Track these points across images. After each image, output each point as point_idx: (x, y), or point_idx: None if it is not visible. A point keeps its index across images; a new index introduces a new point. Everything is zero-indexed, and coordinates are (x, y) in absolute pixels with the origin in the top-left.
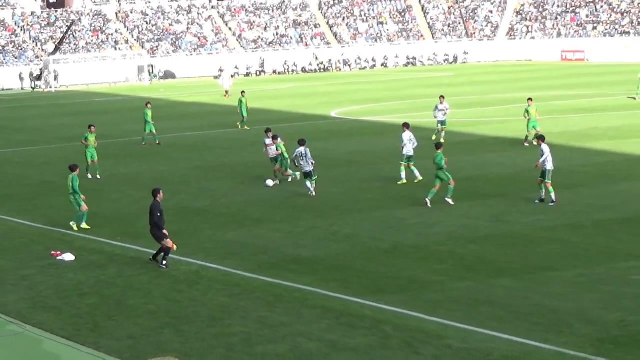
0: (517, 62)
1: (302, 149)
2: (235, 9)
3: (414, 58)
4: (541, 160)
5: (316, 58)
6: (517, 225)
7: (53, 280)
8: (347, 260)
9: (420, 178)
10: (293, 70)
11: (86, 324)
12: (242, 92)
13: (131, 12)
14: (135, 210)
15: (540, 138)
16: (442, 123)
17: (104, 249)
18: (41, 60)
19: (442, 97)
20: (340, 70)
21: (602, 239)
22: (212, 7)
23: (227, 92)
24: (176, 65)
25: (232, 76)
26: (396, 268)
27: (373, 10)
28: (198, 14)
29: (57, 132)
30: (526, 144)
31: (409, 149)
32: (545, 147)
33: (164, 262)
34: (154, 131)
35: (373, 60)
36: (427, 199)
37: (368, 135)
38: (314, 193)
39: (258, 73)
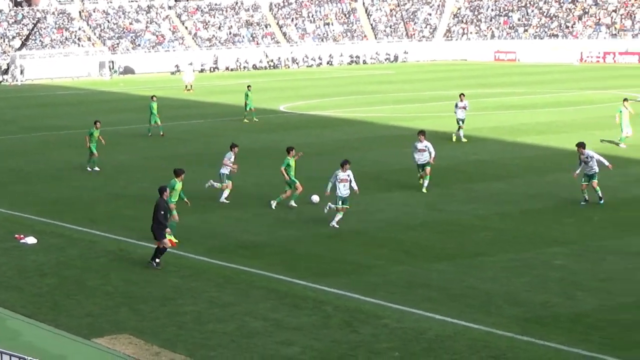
0: (453, 62)
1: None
2: (191, 10)
3: (358, 57)
4: (591, 167)
5: (266, 56)
6: (452, 214)
7: (15, 261)
8: (292, 245)
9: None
10: (245, 67)
11: (46, 302)
12: (248, 86)
13: (94, 11)
14: (95, 196)
15: (581, 145)
16: (462, 121)
17: (64, 233)
18: (8, 55)
19: (462, 94)
20: (288, 67)
21: (530, 226)
22: (170, 7)
23: (189, 86)
24: (135, 61)
25: (199, 71)
26: (338, 252)
27: (320, 11)
28: (156, 13)
29: (22, 123)
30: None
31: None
32: (592, 153)
33: (157, 260)
34: (159, 123)
35: (319, 58)
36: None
37: (314, 128)
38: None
39: (212, 69)
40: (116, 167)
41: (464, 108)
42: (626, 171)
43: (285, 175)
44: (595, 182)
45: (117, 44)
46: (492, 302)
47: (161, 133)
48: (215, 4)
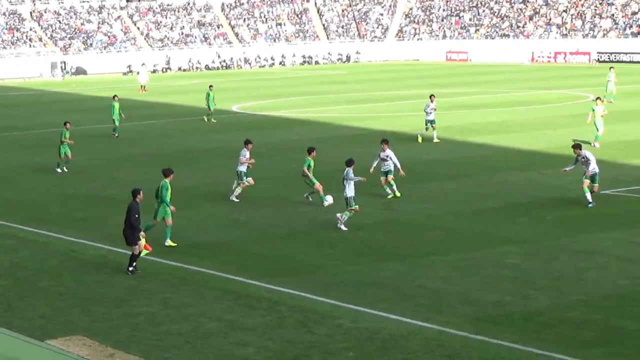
0: (405, 62)
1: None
2: (143, 10)
3: (310, 57)
4: (591, 168)
5: (219, 56)
6: (403, 213)
7: None
8: (245, 245)
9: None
10: (197, 68)
11: (1, 304)
12: (210, 86)
13: (45, 12)
14: (47, 197)
15: (577, 147)
16: (432, 122)
17: (17, 234)
18: None
19: (432, 95)
20: (241, 67)
21: (481, 225)
22: (122, 8)
23: (143, 86)
24: (87, 62)
25: (152, 72)
26: (291, 252)
27: (272, 12)
28: (108, 14)
29: None
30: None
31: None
32: (589, 154)
33: (130, 269)
34: (116, 124)
35: (272, 58)
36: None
37: (267, 128)
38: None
39: (164, 70)
40: (69, 167)
41: (434, 110)
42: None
43: (309, 174)
44: (594, 185)
45: (69, 44)
46: (444, 302)
47: (116, 135)
48: (167, 5)
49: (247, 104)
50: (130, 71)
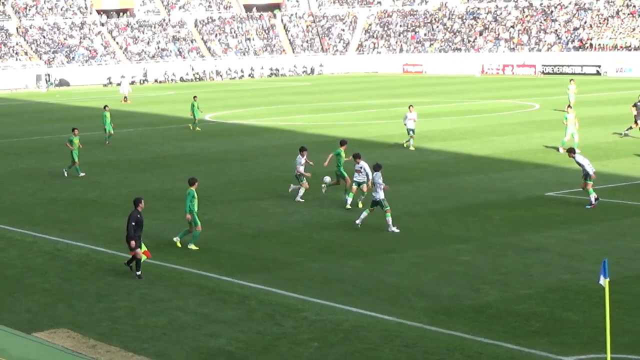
0: (365, 74)
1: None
2: (121, 26)
3: (277, 69)
4: (591, 171)
5: (192, 69)
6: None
7: None
8: (218, 244)
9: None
10: (172, 80)
11: None
12: (194, 96)
13: (30, 28)
14: (32, 200)
15: (570, 151)
16: (412, 131)
17: (5, 235)
18: None
19: (411, 106)
20: (213, 79)
21: (436, 225)
22: (102, 24)
23: (125, 97)
24: (70, 74)
25: (130, 83)
26: (261, 251)
27: (242, 28)
28: (89, 29)
29: None
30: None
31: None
32: (581, 158)
33: (129, 266)
34: (109, 132)
35: (242, 71)
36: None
37: (237, 136)
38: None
39: (142, 82)
40: (51, 173)
41: (413, 120)
42: (525, 174)
43: (337, 166)
44: (589, 183)
45: (53, 58)
46: (402, 295)
47: (107, 142)
48: (144, 21)
49: (219, 113)
50: (110, 83)
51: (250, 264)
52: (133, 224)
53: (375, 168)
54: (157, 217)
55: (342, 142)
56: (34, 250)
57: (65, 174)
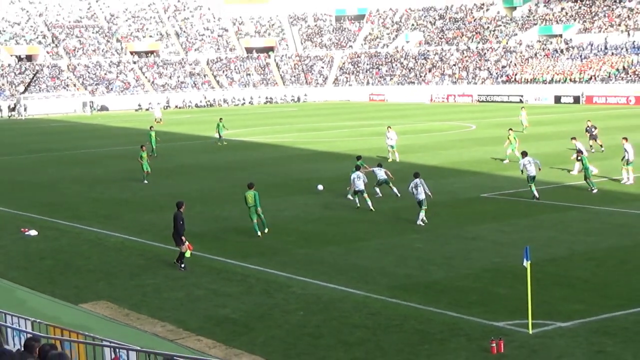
0: (339, 102)
1: (358, 172)
2: (149, 64)
3: (271, 98)
4: (530, 169)
5: (205, 97)
6: (339, 211)
7: (22, 248)
8: (224, 235)
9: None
10: (189, 106)
11: (45, 278)
12: (220, 118)
13: (77, 65)
14: (79, 200)
15: (523, 154)
16: (392, 147)
17: (57, 227)
18: (15, 97)
19: (389, 127)
20: (221, 105)
21: (395, 219)
22: (134, 62)
23: (158, 119)
24: (109, 101)
25: (163, 108)
26: (258, 240)
27: (243, 65)
28: (124, 66)
29: (26, 147)
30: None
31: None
32: (524, 159)
33: (182, 265)
34: (153, 147)
35: (243, 99)
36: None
37: (240, 150)
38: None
39: (165, 107)
40: (95, 178)
41: (391, 139)
42: (464, 179)
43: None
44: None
45: (96, 88)
46: (369, 275)
47: (155, 155)
48: (167, 60)
49: (225, 132)
50: (140, 108)
51: (249, 250)
52: (180, 222)
53: (416, 175)
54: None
55: (358, 157)
56: (81, 239)
57: (146, 182)
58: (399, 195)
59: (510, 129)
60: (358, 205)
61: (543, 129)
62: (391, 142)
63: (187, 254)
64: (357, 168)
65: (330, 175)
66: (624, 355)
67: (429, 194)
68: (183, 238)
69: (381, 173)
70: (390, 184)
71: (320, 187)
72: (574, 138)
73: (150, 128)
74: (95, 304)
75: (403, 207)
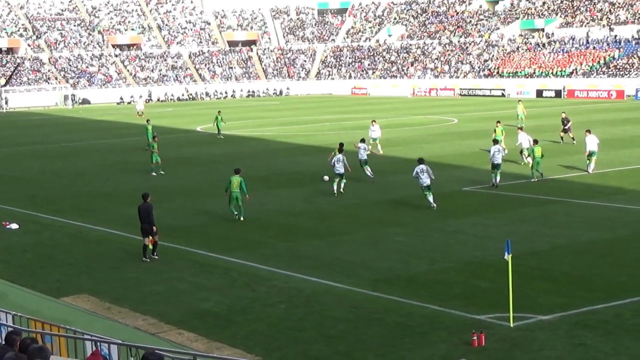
0: (322, 95)
1: (339, 155)
2: (131, 57)
3: (253, 91)
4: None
5: (187, 91)
6: (321, 204)
7: (3, 242)
8: (206, 228)
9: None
10: (171, 99)
11: (26, 272)
12: (219, 111)
13: (59, 58)
14: (61, 193)
15: (494, 141)
16: (375, 139)
17: (40, 221)
18: None
19: (373, 120)
20: (203, 99)
21: (378, 213)
22: (116, 55)
23: (140, 112)
24: (91, 94)
25: (145, 101)
26: (240, 233)
27: (225, 59)
28: (106, 59)
29: (7, 140)
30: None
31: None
32: (494, 147)
33: (155, 253)
34: (150, 141)
35: (225, 92)
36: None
37: (222, 143)
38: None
39: (147, 101)
40: (76, 172)
41: (374, 131)
42: (446, 173)
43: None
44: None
45: (77, 82)
46: (351, 268)
47: (147, 149)
48: (149, 53)
49: (207, 125)
50: (122, 101)
51: (232, 243)
52: (151, 213)
53: (420, 161)
54: (159, 207)
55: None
56: (62, 233)
57: (155, 173)
58: (372, 177)
59: (498, 122)
60: (335, 192)
61: (525, 123)
62: (374, 134)
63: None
64: (340, 150)
65: (313, 169)
66: (604, 348)
67: (433, 178)
68: (155, 229)
69: (362, 151)
70: (367, 166)
71: (326, 177)
72: (520, 128)
73: (148, 122)
74: (76, 298)
75: (385, 201)
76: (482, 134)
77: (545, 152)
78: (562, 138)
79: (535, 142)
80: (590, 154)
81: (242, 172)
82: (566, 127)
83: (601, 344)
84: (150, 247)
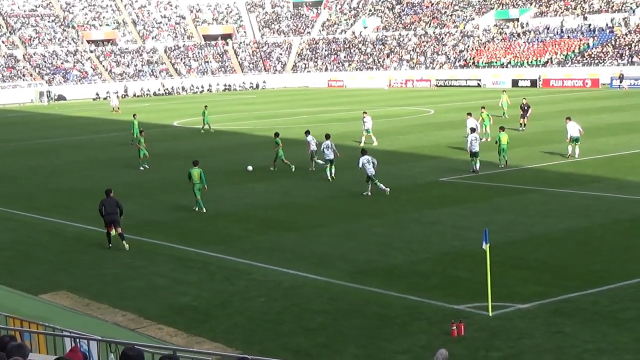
0: (298, 88)
1: (327, 142)
2: (107, 52)
3: (229, 85)
4: (475, 145)
5: (163, 85)
6: (299, 198)
7: None
8: (184, 223)
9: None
10: (147, 94)
11: (4, 270)
12: (205, 106)
13: (34, 54)
14: (38, 191)
15: (472, 130)
16: (368, 131)
17: (16, 218)
18: None
19: (364, 112)
20: (179, 93)
21: (355, 204)
22: (91, 51)
23: (116, 108)
24: (66, 91)
25: (119, 97)
26: (218, 227)
27: (201, 53)
28: (81, 55)
29: None
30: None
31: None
32: (471, 135)
33: (124, 242)
34: (137, 135)
35: (202, 86)
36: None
37: (199, 137)
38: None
39: (123, 96)
40: (53, 169)
41: (367, 122)
42: (423, 164)
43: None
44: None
45: (52, 78)
46: (329, 261)
47: (132, 143)
48: (125, 49)
49: (184, 120)
50: (99, 97)
51: (210, 237)
52: (120, 206)
53: (362, 152)
54: (136, 202)
55: (327, 136)
56: (40, 230)
57: (142, 168)
58: (313, 167)
59: (483, 107)
60: (329, 178)
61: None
62: (367, 125)
63: (113, 232)
64: (327, 137)
65: (290, 161)
66: (581, 336)
67: (376, 164)
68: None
69: (312, 143)
70: (317, 158)
71: (249, 167)
72: (469, 114)
73: (134, 116)
74: (55, 295)
75: (362, 193)
76: (458, 124)
77: (523, 142)
78: (521, 124)
79: (502, 129)
80: (573, 140)
81: (219, 166)
82: (527, 114)
83: (579, 331)
84: (114, 234)
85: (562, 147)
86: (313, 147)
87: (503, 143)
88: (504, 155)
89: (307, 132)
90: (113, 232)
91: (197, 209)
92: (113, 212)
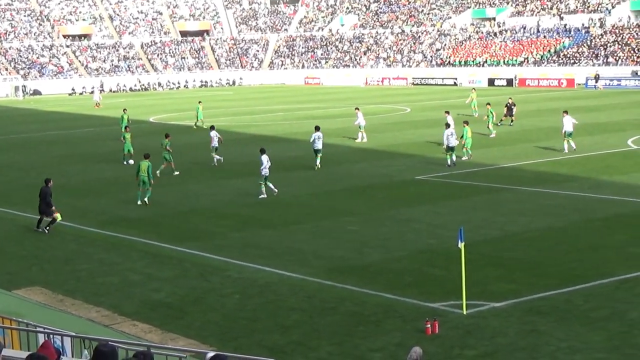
0: (275, 85)
1: (318, 133)
2: (82, 47)
3: (206, 81)
4: (451, 140)
5: (139, 81)
6: (274, 195)
7: None
8: (159, 219)
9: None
10: (123, 90)
11: None
12: (199, 101)
13: (9, 49)
14: (12, 186)
15: (447, 125)
16: (361, 127)
17: None
18: None
19: (357, 108)
20: (155, 89)
21: (330, 202)
22: (67, 46)
23: (97, 103)
24: (42, 85)
25: (90, 93)
26: (193, 223)
27: (178, 49)
28: (57, 50)
29: None
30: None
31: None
32: (448, 130)
33: (47, 228)
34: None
35: (178, 83)
36: None
37: (174, 134)
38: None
39: (99, 92)
40: (28, 164)
41: (359, 118)
42: (399, 162)
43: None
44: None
45: (28, 73)
46: (304, 258)
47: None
48: (101, 44)
49: (160, 115)
50: (74, 92)
51: (185, 234)
52: (50, 196)
53: (262, 151)
54: (112, 198)
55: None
56: (14, 225)
57: (126, 163)
58: (218, 161)
59: (488, 104)
60: (316, 167)
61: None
62: (360, 122)
63: (59, 217)
64: (317, 129)
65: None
66: (555, 334)
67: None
68: (53, 207)
69: (215, 139)
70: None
71: (217, 157)
72: (447, 112)
73: (124, 111)
74: (28, 290)
75: (338, 190)
76: (434, 122)
77: (499, 141)
78: (502, 121)
79: (466, 123)
80: (568, 135)
81: (194, 163)
82: (512, 113)
83: (553, 329)
84: (59, 217)
85: (538, 146)
86: (215, 143)
87: (468, 136)
88: (469, 149)
89: (212, 127)
90: (58, 216)
91: (143, 201)
92: (44, 203)
